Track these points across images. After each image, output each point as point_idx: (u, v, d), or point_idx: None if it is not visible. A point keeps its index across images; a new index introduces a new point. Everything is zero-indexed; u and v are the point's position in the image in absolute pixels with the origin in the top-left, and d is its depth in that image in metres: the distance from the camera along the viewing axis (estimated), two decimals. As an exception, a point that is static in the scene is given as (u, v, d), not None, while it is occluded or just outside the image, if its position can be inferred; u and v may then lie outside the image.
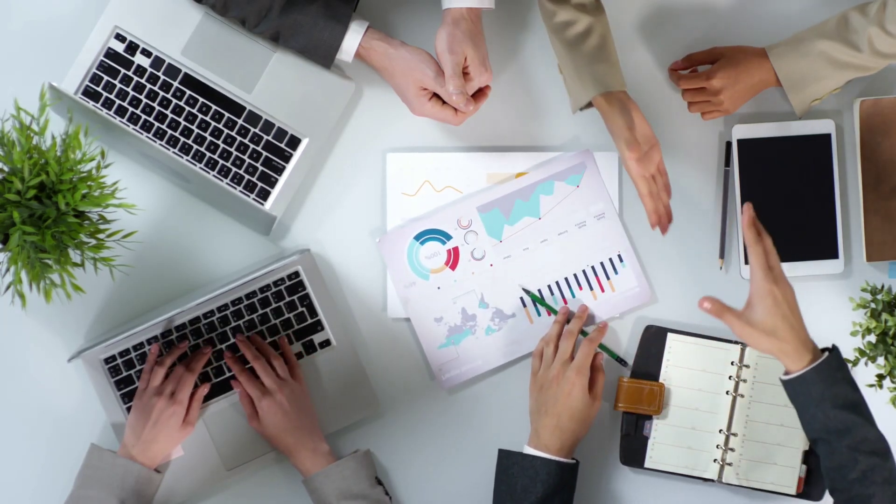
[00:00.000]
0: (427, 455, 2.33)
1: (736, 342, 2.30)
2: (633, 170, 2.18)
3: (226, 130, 2.29)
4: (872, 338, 2.17)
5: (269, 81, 2.30)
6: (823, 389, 2.07)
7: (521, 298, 2.33)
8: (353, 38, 2.24)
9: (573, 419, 2.22)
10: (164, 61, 2.29)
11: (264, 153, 2.30)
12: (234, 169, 2.30)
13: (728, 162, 2.34)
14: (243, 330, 2.30)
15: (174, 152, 2.29)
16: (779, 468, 2.30)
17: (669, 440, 2.30)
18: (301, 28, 2.23)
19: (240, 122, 2.30)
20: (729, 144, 2.34)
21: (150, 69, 2.29)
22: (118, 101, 2.28)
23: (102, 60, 2.28)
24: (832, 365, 2.09)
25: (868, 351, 2.10)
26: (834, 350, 2.10)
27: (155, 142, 2.28)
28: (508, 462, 2.22)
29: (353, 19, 2.24)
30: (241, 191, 2.30)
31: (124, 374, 2.28)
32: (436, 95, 2.23)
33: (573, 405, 2.22)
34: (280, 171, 2.30)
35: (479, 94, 2.25)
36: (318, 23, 2.22)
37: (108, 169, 2.16)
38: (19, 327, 2.31)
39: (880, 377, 2.10)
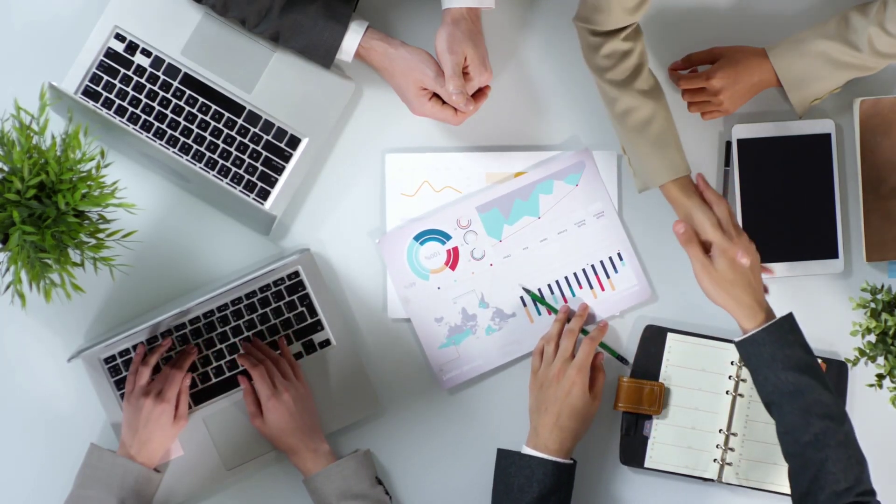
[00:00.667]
0: (427, 455, 2.33)
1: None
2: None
3: (226, 130, 2.30)
4: (872, 338, 2.17)
5: (269, 81, 2.30)
6: (775, 351, 2.10)
7: (522, 298, 2.33)
8: (352, 38, 2.24)
9: (573, 418, 2.22)
10: (163, 61, 2.29)
11: (264, 153, 2.30)
12: (233, 168, 2.30)
13: (728, 162, 2.33)
14: (243, 330, 2.30)
15: (174, 152, 2.29)
16: (779, 468, 2.30)
17: (669, 440, 2.30)
18: (301, 28, 2.23)
19: (240, 121, 2.30)
20: (729, 144, 2.33)
21: (149, 69, 2.29)
22: (118, 101, 2.28)
23: (102, 60, 2.28)
24: (784, 327, 2.11)
25: (868, 351, 2.10)
26: (788, 315, 2.12)
27: (155, 141, 2.28)
28: (506, 462, 2.22)
29: (353, 19, 2.24)
30: (240, 190, 2.30)
31: (124, 373, 2.28)
32: (436, 95, 2.23)
33: (573, 403, 2.22)
34: (280, 170, 2.30)
35: (479, 93, 2.25)
36: (318, 23, 2.22)
37: (107, 169, 2.16)
38: (19, 327, 2.31)
39: (880, 377, 2.10)
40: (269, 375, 2.26)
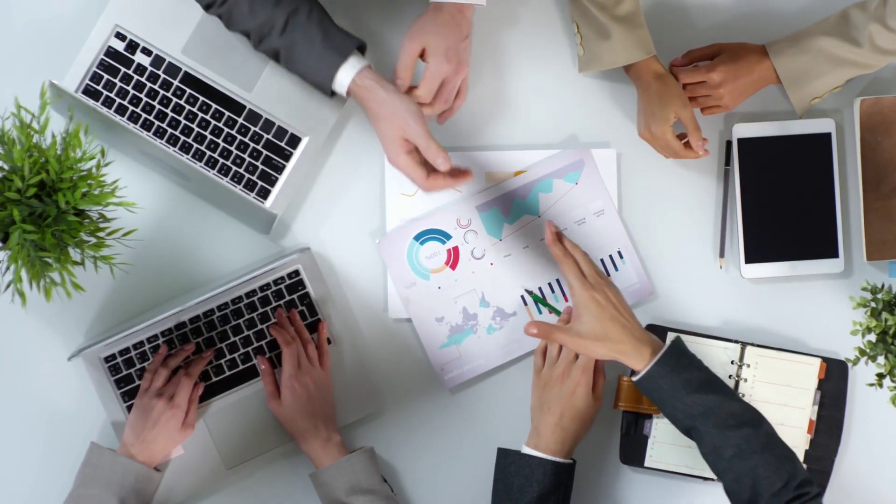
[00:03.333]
0: (428, 454, 2.33)
1: (735, 341, 2.30)
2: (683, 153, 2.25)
3: (226, 129, 2.30)
4: (872, 337, 2.16)
5: (270, 80, 2.30)
6: (673, 379, 2.13)
7: (522, 297, 2.33)
8: (346, 74, 2.19)
9: (575, 418, 2.21)
10: (164, 60, 2.29)
11: (265, 152, 2.30)
12: (234, 167, 2.30)
13: (728, 161, 2.34)
14: (244, 329, 2.30)
15: (174, 151, 2.29)
16: (779, 467, 2.30)
17: (669, 439, 2.30)
18: (298, 53, 2.20)
19: (240, 120, 2.30)
20: (729, 143, 2.34)
21: (150, 68, 2.29)
22: (118, 100, 2.28)
23: (103, 59, 2.29)
24: (674, 353, 2.14)
25: (868, 350, 2.09)
26: (675, 339, 2.16)
27: (155, 140, 2.28)
28: (506, 461, 2.22)
29: (353, 55, 2.20)
30: (241, 189, 2.30)
31: (124, 372, 2.29)
32: (415, 151, 2.20)
33: (576, 404, 2.22)
34: (280, 169, 2.30)
35: (461, 174, 2.21)
36: (315, 49, 2.19)
37: (108, 167, 2.16)
38: (19, 326, 2.31)
39: (880, 376, 2.10)
40: (297, 356, 2.26)
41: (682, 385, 2.12)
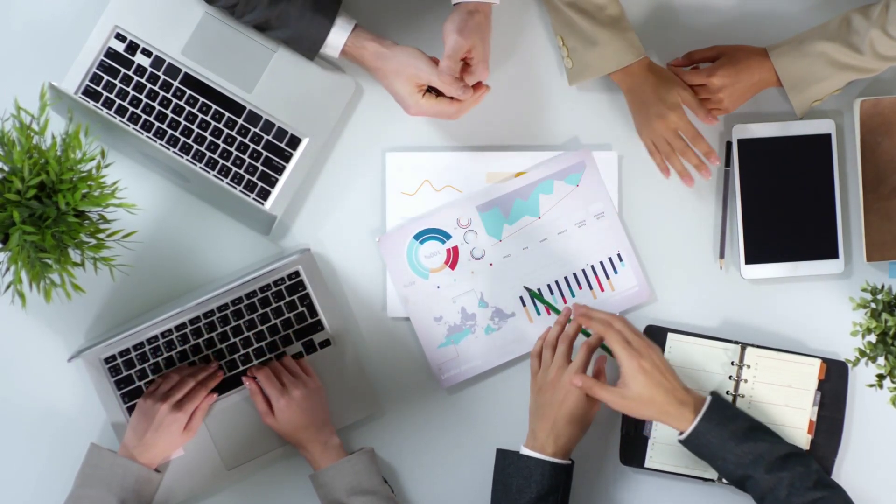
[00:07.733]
0: (427, 454, 2.33)
1: (735, 342, 2.30)
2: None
3: (226, 130, 2.30)
4: (872, 338, 2.16)
5: (270, 81, 2.30)
6: (721, 432, 2.15)
7: (521, 297, 2.33)
8: (339, 34, 2.23)
9: (570, 422, 2.21)
10: (164, 61, 2.29)
11: (264, 153, 2.30)
12: (234, 168, 2.30)
13: (728, 162, 2.34)
14: (243, 329, 2.30)
15: (174, 152, 2.29)
16: (779, 468, 2.30)
17: (670, 440, 2.30)
18: (288, 19, 2.22)
19: (240, 121, 2.30)
20: (729, 144, 2.34)
21: (150, 69, 2.29)
22: (118, 101, 2.28)
23: (103, 60, 2.28)
24: (716, 407, 2.16)
25: (868, 351, 2.09)
26: (713, 395, 2.18)
27: (155, 141, 2.28)
28: (504, 462, 2.22)
29: (340, 15, 2.23)
30: (241, 190, 2.30)
31: (124, 373, 2.29)
32: (430, 90, 2.23)
33: (569, 411, 2.21)
34: (280, 170, 2.30)
35: (476, 87, 2.24)
36: (305, 15, 2.22)
37: (108, 168, 2.15)
38: (19, 327, 2.31)
39: (880, 377, 2.09)
40: (276, 374, 2.26)
41: (730, 437, 2.14)
